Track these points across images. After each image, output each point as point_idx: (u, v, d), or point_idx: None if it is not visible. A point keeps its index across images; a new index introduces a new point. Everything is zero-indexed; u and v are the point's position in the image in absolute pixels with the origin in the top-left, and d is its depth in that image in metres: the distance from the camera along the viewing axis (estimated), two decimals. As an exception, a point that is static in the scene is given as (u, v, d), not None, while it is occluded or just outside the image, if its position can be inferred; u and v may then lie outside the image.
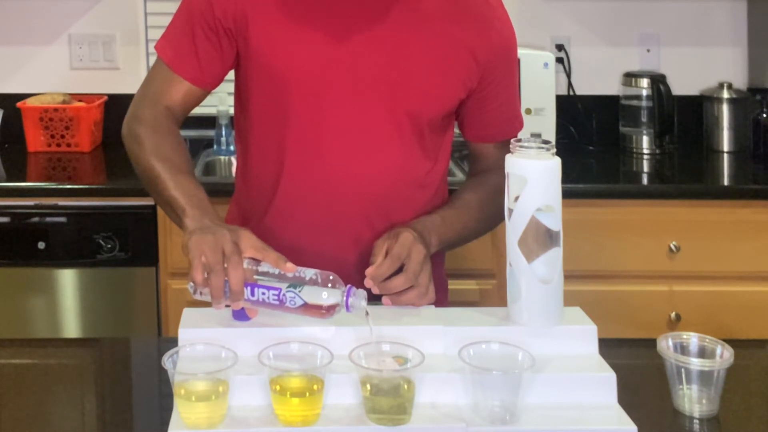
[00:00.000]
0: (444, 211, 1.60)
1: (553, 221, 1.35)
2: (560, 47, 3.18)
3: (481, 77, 1.59)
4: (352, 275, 1.56)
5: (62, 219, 2.62)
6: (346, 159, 1.55)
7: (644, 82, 3.03)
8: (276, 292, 1.30)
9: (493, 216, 1.65)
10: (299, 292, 1.30)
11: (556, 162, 1.35)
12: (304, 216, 1.58)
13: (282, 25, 1.54)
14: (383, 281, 1.41)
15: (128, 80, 3.23)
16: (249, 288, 1.31)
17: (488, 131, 1.67)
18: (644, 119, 3.02)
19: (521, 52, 2.93)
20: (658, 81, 2.99)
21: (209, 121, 3.11)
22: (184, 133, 1.70)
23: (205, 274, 1.29)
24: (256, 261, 1.33)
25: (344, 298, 1.30)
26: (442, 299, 1.69)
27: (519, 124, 1.70)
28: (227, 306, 1.32)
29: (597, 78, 3.20)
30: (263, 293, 1.31)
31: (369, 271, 1.41)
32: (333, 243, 1.58)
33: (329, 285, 1.30)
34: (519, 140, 1.37)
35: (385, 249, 1.44)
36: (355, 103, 1.54)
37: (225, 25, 1.56)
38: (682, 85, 3.13)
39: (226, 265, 1.29)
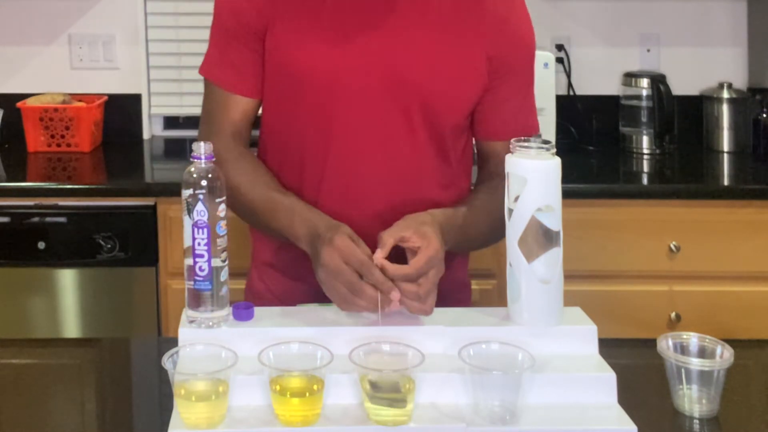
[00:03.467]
0: (465, 214, 1.55)
1: (553, 221, 1.35)
2: (560, 47, 3.18)
3: (495, 75, 1.58)
4: None
5: (62, 219, 2.62)
6: (358, 158, 1.55)
7: (644, 82, 3.02)
8: None
9: (500, 228, 1.59)
10: None
11: (556, 162, 1.35)
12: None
13: (297, 23, 1.55)
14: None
15: (128, 80, 3.23)
16: None
17: (500, 129, 1.62)
18: (644, 119, 3.02)
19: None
20: (658, 81, 2.98)
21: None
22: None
23: (351, 295, 1.35)
24: None
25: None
26: (465, 300, 1.72)
27: (532, 127, 1.66)
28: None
29: (597, 78, 3.20)
30: None
31: (388, 266, 1.36)
32: None
33: None
34: (519, 140, 1.37)
35: (402, 236, 1.40)
36: (367, 103, 1.53)
37: (254, 30, 1.57)
38: (682, 85, 3.13)
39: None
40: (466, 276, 1.76)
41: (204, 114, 1.67)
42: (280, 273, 1.67)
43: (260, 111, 1.67)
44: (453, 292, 1.62)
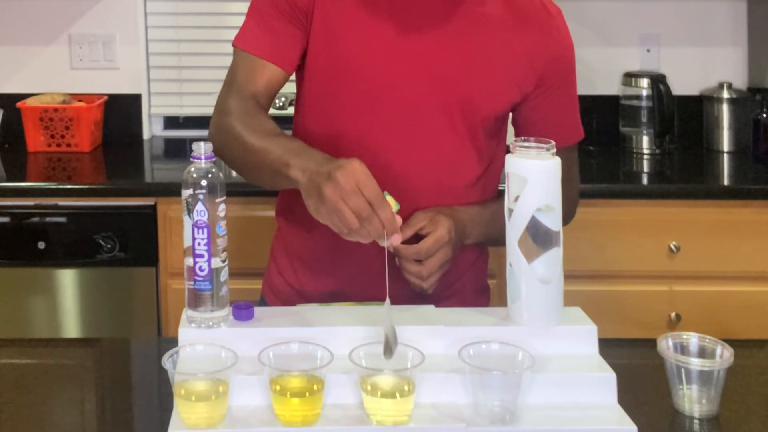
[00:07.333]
0: (494, 210, 1.60)
1: (553, 221, 1.35)
2: (560, 47, 3.18)
3: (537, 84, 1.60)
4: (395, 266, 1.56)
5: (62, 219, 2.62)
6: (397, 148, 1.56)
7: (644, 82, 3.03)
8: None
9: None
10: None
11: (556, 162, 1.35)
12: None
13: (346, 9, 1.56)
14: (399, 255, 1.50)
15: (128, 80, 3.23)
16: None
17: (547, 135, 1.60)
18: (644, 119, 3.02)
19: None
20: (658, 81, 2.99)
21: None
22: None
23: (357, 221, 1.31)
24: None
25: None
26: (483, 303, 1.73)
27: (576, 134, 1.69)
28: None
29: (597, 78, 3.20)
30: None
31: (400, 246, 1.46)
32: None
33: None
34: (519, 140, 1.37)
35: (419, 227, 1.51)
36: (409, 95, 1.55)
37: (303, 7, 1.57)
38: (682, 85, 3.13)
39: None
40: (486, 281, 1.77)
41: (227, 78, 1.63)
42: (302, 264, 1.67)
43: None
44: (476, 295, 1.70)
